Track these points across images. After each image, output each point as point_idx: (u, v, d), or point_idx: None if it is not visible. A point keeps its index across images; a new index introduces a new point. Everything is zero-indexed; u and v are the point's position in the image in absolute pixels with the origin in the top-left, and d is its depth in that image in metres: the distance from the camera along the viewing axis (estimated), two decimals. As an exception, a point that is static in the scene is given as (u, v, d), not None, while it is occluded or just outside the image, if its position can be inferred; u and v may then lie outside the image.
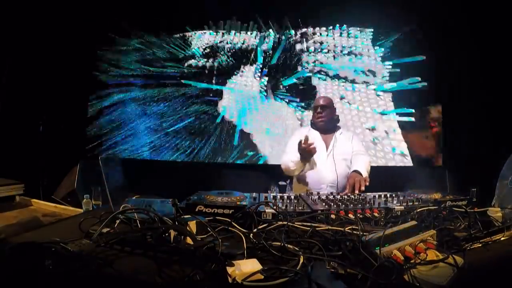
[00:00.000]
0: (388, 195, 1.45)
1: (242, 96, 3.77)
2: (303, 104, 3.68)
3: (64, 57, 3.45)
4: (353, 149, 2.13)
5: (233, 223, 1.10)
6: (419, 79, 3.49)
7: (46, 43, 3.38)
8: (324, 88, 3.68)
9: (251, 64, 3.78)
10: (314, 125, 2.25)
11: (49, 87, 3.45)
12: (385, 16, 3.45)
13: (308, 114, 3.56)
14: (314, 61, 3.71)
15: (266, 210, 1.17)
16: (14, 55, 3.36)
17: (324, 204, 1.31)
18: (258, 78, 3.75)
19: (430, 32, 3.38)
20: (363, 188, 1.67)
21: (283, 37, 3.76)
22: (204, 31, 3.86)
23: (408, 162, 3.49)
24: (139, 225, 1.03)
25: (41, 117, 3.30)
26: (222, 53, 3.83)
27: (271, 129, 3.69)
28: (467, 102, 3.16)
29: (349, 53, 3.67)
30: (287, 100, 3.71)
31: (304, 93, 3.70)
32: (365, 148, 2.38)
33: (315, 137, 2.16)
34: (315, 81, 3.70)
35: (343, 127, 2.31)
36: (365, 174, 1.84)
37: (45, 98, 3.42)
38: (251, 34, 3.80)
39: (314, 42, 3.73)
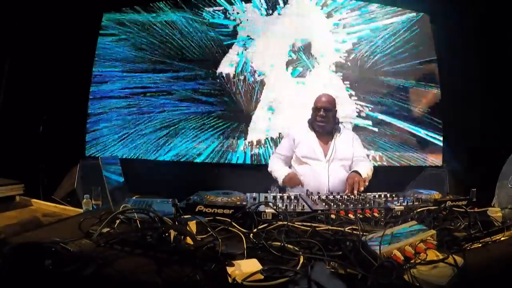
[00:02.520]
0: (388, 195, 1.45)
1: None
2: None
3: (64, 57, 3.44)
4: (354, 154, 2.05)
5: (233, 223, 1.10)
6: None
7: (46, 44, 3.38)
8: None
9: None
10: (312, 126, 2.10)
11: (49, 87, 3.44)
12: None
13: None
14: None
15: (266, 210, 1.17)
16: (14, 55, 3.36)
17: (324, 204, 1.31)
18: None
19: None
20: (362, 188, 1.67)
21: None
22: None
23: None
24: (139, 225, 1.02)
25: (41, 117, 3.30)
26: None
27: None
28: (468, 101, 3.16)
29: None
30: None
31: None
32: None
33: (313, 142, 2.04)
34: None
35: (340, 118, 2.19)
36: (364, 175, 1.83)
37: (45, 98, 3.41)
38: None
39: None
